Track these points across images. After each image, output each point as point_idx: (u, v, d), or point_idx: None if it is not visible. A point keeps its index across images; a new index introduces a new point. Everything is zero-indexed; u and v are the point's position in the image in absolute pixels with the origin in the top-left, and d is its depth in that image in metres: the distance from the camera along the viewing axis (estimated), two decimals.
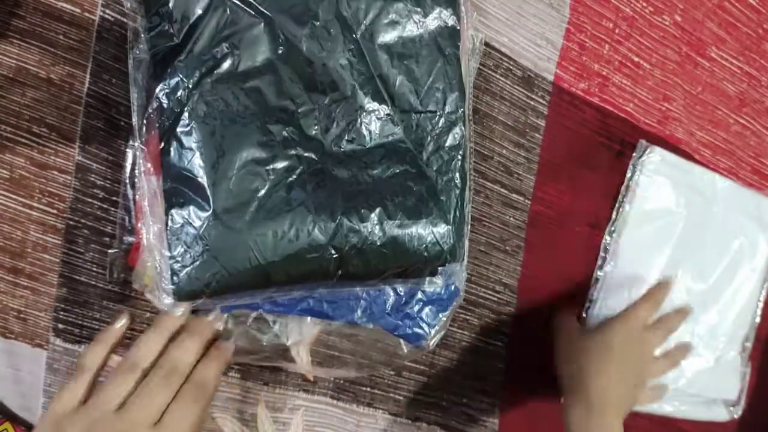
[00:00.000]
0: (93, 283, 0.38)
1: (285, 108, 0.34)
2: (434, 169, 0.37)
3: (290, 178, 0.34)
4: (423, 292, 0.40)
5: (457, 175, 0.38)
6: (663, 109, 0.54)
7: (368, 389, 0.46)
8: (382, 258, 0.35)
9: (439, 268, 0.37)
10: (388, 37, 0.36)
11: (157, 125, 0.32)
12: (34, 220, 0.37)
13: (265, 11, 0.33)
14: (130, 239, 0.35)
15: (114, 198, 0.38)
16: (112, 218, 0.38)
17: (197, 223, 0.32)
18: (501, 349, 0.50)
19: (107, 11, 0.37)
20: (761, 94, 0.58)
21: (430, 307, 0.40)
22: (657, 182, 0.51)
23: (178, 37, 0.32)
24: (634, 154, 0.51)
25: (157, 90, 0.32)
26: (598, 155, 0.52)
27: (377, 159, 0.36)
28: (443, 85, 0.37)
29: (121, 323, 0.35)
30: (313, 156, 0.34)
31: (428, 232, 0.36)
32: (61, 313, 0.38)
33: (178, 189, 0.32)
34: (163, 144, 0.32)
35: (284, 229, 0.33)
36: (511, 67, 0.48)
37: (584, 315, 0.52)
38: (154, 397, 0.31)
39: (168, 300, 0.33)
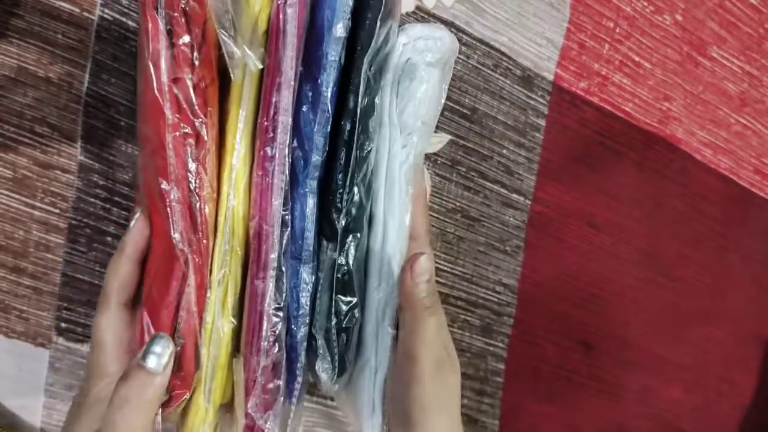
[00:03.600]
0: (96, 282, 0.38)
1: None
2: None
3: None
4: None
5: None
6: (663, 109, 0.54)
7: None
8: None
9: None
10: None
11: None
12: (36, 219, 0.37)
13: None
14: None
15: (116, 198, 0.38)
16: (114, 218, 0.38)
17: None
18: (501, 349, 0.50)
19: (106, 11, 0.37)
20: (762, 94, 0.58)
21: None
22: None
23: None
24: None
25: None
26: (598, 155, 0.52)
27: None
28: None
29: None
30: None
31: None
32: (64, 312, 0.38)
33: None
34: None
35: None
36: (510, 67, 0.48)
37: None
38: None
39: None
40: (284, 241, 0.30)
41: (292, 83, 0.29)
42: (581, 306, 0.52)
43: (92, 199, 0.38)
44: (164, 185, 0.28)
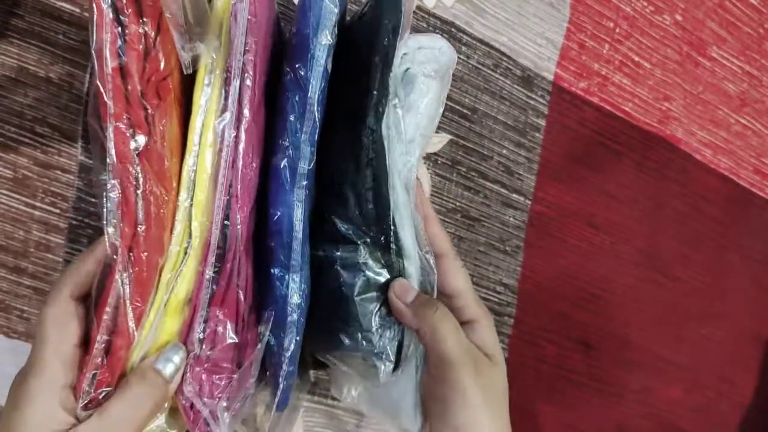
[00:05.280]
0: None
1: None
2: None
3: None
4: None
5: None
6: (663, 109, 0.54)
7: None
8: None
9: None
10: None
11: None
12: (36, 219, 0.37)
13: None
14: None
15: None
16: None
17: None
18: (502, 349, 0.50)
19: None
20: (762, 94, 0.58)
21: None
22: None
23: None
24: None
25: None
26: (598, 155, 0.52)
27: None
28: None
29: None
30: None
31: None
32: None
33: None
34: None
35: None
36: (510, 67, 0.48)
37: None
38: None
39: None
40: (237, 241, 0.30)
41: (247, 75, 0.28)
42: (581, 306, 0.52)
43: (93, 199, 0.38)
44: (102, 176, 0.28)
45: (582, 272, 0.52)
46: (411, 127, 0.33)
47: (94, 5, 0.26)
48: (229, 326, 0.30)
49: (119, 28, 0.26)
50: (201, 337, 0.30)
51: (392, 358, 0.32)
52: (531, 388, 0.52)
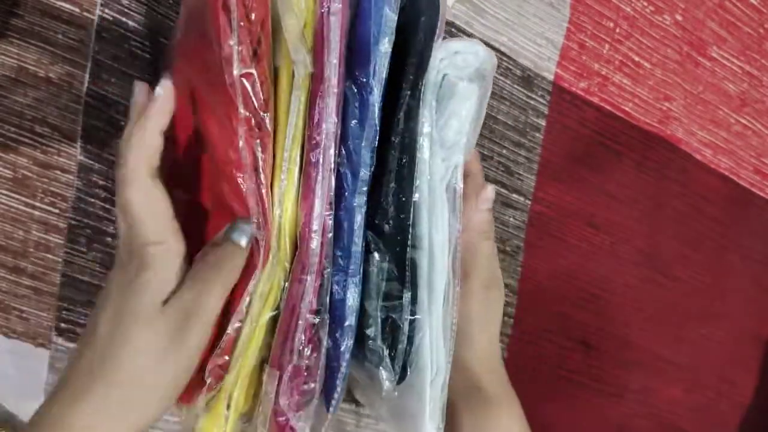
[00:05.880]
0: (96, 282, 0.38)
1: None
2: None
3: None
4: None
5: None
6: (663, 109, 0.54)
7: None
8: None
9: None
10: None
11: None
12: (36, 219, 0.37)
13: None
14: None
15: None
16: (114, 218, 0.38)
17: None
18: (501, 349, 0.50)
19: (106, 11, 0.37)
20: (762, 94, 0.58)
21: None
22: None
23: None
24: None
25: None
26: (598, 155, 0.52)
27: None
28: None
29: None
30: None
31: None
32: (64, 312, 0.38)
33: None
34: None
35: None
36: (510, 67, 0.48)
37: None
38: None
39: None
40: (327, 247, 0.30)
41: (335, 90, 0.29)
42: (581, 306, 0.52)
43: (92, 199, 0.38)
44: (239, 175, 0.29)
45: (582, 272, 0.52)
46: (452, 131, 0.33)
47: (219, 13, 0.27)
48: (323, 334, 0.31)
49: (239, 36, 0.28)
50: (302, 345, 0.30)
51: (396, 368, 0.32)
52: (531, 388, 0.52)
